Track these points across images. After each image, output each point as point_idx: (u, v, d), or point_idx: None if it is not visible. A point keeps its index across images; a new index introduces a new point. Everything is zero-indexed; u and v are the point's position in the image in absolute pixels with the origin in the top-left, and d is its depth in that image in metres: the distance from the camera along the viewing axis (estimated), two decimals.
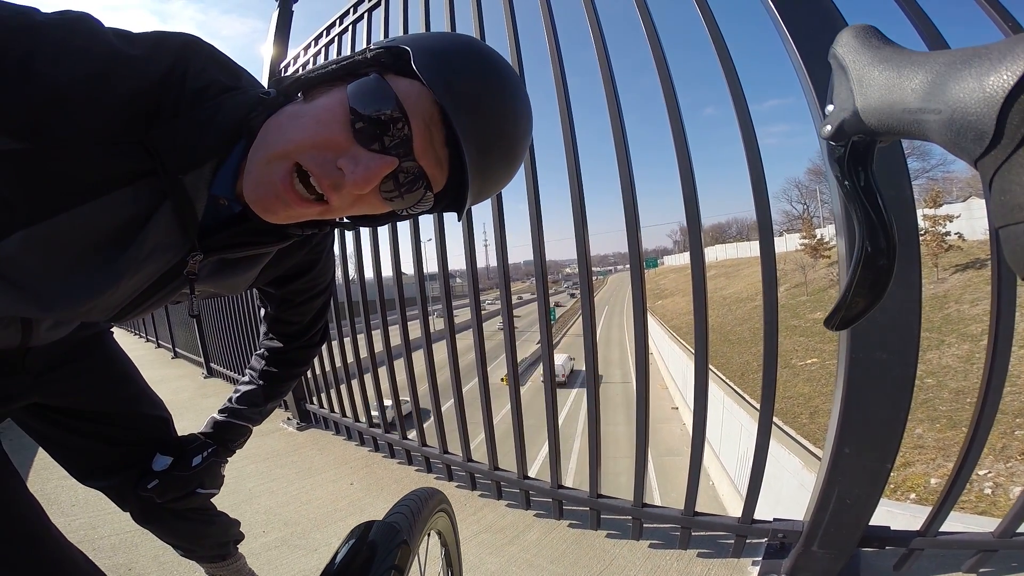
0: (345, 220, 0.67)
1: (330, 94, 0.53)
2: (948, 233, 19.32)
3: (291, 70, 2.61)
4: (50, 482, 0.83)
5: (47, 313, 0.57)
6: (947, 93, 0.23)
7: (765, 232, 1.27)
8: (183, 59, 0.52)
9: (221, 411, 0.99)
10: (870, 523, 1.24)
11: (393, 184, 0.53)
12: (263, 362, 1.00)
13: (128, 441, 0.92)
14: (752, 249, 43.76)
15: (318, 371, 2.92)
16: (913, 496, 9.02)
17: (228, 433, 0.98)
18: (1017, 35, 0.22)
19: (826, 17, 1.08)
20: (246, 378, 1.01)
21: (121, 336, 8.94)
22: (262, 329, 0.99)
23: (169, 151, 0.50)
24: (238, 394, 0.99)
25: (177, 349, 6.02)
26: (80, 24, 0.46)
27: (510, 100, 0.54)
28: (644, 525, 1.62)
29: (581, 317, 1.60)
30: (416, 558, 0.69)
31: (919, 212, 1.12)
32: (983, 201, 1.06)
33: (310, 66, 0.59)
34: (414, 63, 0.50)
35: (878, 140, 0.32)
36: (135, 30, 0.52)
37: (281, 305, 0.91)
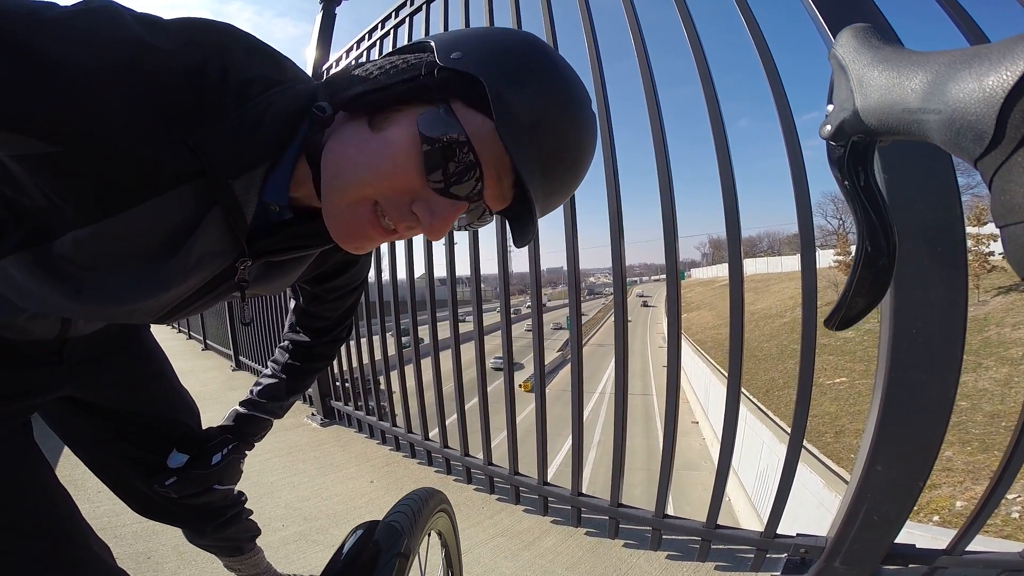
0: None
1: (399, 124, 0.50)
2: (992, 253, 18.55)
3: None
4: (79, 467, 0.85)
5: (93, 316, 0.56)
6: (947, 93, 0.23)
7: (807, 248, 1.25)
8: (222, 51, 0.48)
9: (243, 403, 0.97)
10: (895, 541, 1.21)
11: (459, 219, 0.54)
12: (287, 355, 0.98)
13: (151, 440, 0.91)
14: (782, 264, 42.80)
15: (344, 368, 2.96)
16: (936, 518, 8.72)
17: (250, 426, 0.97)
18: (1017, 35, 0.22)
19: (870, 18, 1.05)
20: (268, 371, 1.00)
21: (154, 327, 9.21)
22: (289, 321, 0.98)
23: (217, 153, 0.47)
24: (260, 387, 0.98)
25: (208, 341, 6.17)
26: (100, 14, 0.42)
27: (581, 134, 0.52)
28: (663, 536, 1.60)
29: (613, 326, 1.59)
30: (416, 558, 0.70)
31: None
32: None
33: (358, 68, 0.53)
34: (494, 114, 0.47)
35: (878, 140, 0.32)
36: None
37: (314, 300, 0.90)
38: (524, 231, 0.56)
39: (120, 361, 0.87)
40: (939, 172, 1.00)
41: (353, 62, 0.55)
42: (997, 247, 18.42)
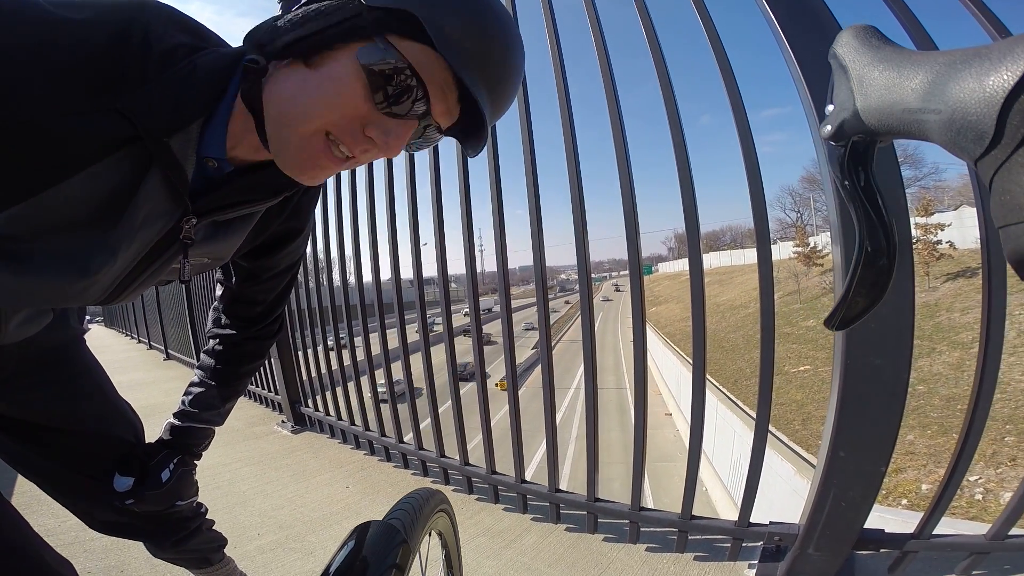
0: None
1: (339, 60, 0.52)
2: (939, 242, 19.50)
3: None
4: None
5: (41, 296, 0.54)
6: (947, 93, 0.23)
7: (763, 241, 1.28)
8: (140, 21, 0.49)
9: (177, 415, 0.94)
10: (865, 526, 1.25)
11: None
12: (213, 360, 0.94)
13: (92, 461, 0.87)
14: (746, 257, 43.97)
15: (313, 374, 2.91)
16: (905, 501, 9.08)
17: (189, 438, 0.93)
18: (1017, 35, 0.22)
19: (821, 21, 1.10)
20: (196, 378, 0.95)
21: (113, 337, 8.87)
22: (213, 315, 0.94)
23: (148, 115, 0.48)
24: (191, 397, 0.94)
25: (169, 351, 5.98)
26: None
27: (515, 44, 0.57)
28: (641, 529, 1.62)
29: (580, 321, 1.61)
30: (416, 559, 0.70)
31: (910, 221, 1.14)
32: (975, 210, 1.09)
33: (281, 19, 0.54)
34: (437, 45, 0.50)
35: (878, 140, 0.32)
36: None
37: (248, 279, 0.87)
38: (476, 143, 0.60)
39: (54, 375, 0.83)
40: (884, 165, 1.04)
41: (278, 12, 0.53)
42: (944, 236, 19.42)
